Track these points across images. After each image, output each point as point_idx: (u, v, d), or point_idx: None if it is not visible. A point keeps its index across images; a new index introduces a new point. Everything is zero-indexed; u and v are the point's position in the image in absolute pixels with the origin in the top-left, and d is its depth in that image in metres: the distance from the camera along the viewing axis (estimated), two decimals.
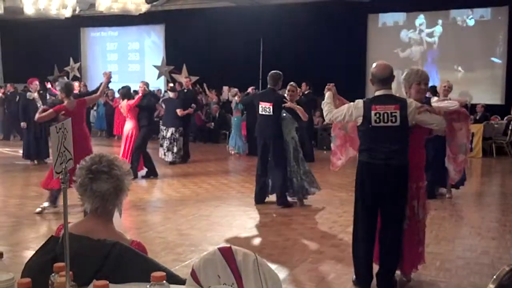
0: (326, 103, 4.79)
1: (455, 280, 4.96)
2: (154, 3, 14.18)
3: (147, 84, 10.63)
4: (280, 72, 8.19)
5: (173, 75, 19.70)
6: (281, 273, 4.91)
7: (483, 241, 6.20)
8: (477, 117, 14.46)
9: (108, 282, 1.76)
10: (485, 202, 9.13)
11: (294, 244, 6.06)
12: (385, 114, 4.33)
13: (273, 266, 1.79)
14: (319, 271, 5.14)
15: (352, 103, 4.58)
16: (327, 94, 4.88)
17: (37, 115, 7.50)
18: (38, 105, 11.15)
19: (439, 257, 5.58)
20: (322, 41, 16.86)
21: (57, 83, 7.77)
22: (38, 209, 7.34)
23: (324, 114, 4.80)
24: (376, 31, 17.85)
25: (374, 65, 4.56)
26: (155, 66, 18.60)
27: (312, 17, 16.92)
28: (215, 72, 17.89)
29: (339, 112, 4.61)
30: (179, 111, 11.71)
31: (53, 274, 1.80)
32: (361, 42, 17.56)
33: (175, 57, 19.48)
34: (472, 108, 15.11)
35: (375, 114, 4.35)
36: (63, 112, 7.16)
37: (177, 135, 11.89)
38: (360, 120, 4.44)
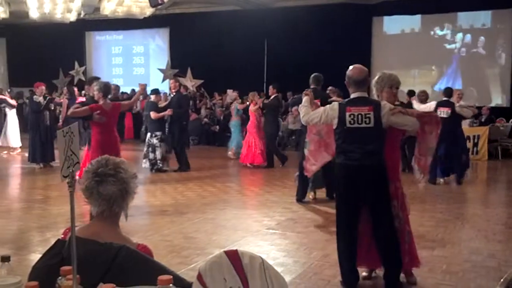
0: (303, 106, 4.87)
1: (461, 283, 4.94)
2: (159, 6, 14.19)
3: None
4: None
5: (178, 78, 19.73)
6: (287, 276, 4.91)
7: (489, 244, 6.17)
8: (483, 120, 14.42)
9: (114, 285, 1.77)
10: (491, 205, 9.10)
11: (299, 247, 6.05)
12: (359, 116, 4.43)
13: (278, 269, 1.79)
14: (324, 275, 5.13)
15: (328, 105, 4.72)
16: (305, 99, 4.94)
17: (70, 110, 7.35)
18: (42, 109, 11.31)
19: (445, 260, 5.56)
20: (327, 44, 16.85)
21: (95, 83, 7.59)
22: None
23: (301, 116, 4.88)
24: (380, 34, 17.84)
25: (350, 68, 4.68)
26: (159, 70, 18.61)
27: (316, 20, 16.92)
28: (219, 75, 17.91)
29: (316, 114, 4.71)
30: (152, 114, 11.44)
31: (60, 278, 1.81)
32: (365, 45, 17.54)
33: (179, 61, 19.49)
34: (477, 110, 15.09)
35: (350, 116, 4.45)
36: (98, 111, 7.11)
37: (153, 141, 11.31)
38: (335, 122, 4.54)
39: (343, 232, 4.69)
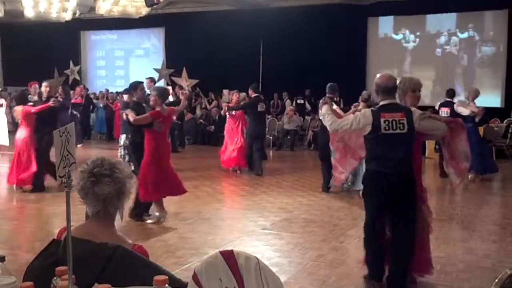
0: (327, 114, 4.86)
1: (456, 283, 4.96)
2: (154, 6, 14.18)
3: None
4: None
5: (173, 78, 19.73)
6: (282, 276, 4.91)
7: (484, 244, 6.20)
8: (477, 120, 14.44)
9: (110, 285, 1.77)
10: (486, 205, 9.13)
11: (294, 247, 6.06)
12: (394, 122, 4.46)
13: (273, 270, 1.79)
14: (320, 275, 5.14)
15: (358, 113, 4.73)
16: (325, 107, 4.94)
17: (131, 118, 6.89)
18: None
19: (440, 260, 5.57)
20: (322, 44, 16.88)
21: (151, 89, 7.25)
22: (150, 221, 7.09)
23: (328, 125, 4.84)
24: (375, 35, 17.88)
25: (378, 76, 4.72)
26: (155, 69, 18.60)
27: (312, 20, 16.94)
28: (215, 75, 17.91)
29: (345, 122, 4.71)
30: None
31: (55, 278, 1.80)
32: (361, 46, 17.58)
33: (175, 60, 19.48)
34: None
35: (384, 122, 4.46)
36: (160, 119, 6.87)
37: (128, 142, 11.11)
38: (368, 128, 4.54)
39: (372, 233, 4.70)
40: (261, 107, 11.32)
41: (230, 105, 11.61)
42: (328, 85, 9.31)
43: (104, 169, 2.23)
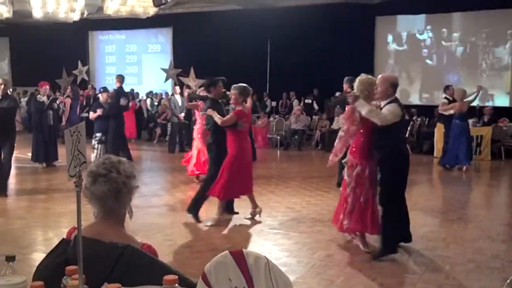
0: (370, 110, 5.35)
1: (465, 283, 4.93)
2: (162, 6, 14.20)
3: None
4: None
5: (181, 78, 19.77)
6: (290, 276, 4.89)
7: (493, 244, 6.16)
8: (486, 120, 14.40)
9: (120, 285, 1.77)
10: (494, 205, 9.09)
11: (302, 247, 6.05)
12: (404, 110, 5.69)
13: (282, 269, 1.79)
14: (328, 274, 5.13)
15: (388, 106, 5.42)
16: (361, 102, 5.42)
17: (218, 120, 6.72)
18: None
19: (448, 260, 5.55)
20: (329, 44, 16.86)
21: (233, 86, 6.92)
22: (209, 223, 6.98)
23: (377, 118, 5.35)
24: (383, 33, 17.83)
25: (389, 75, 5.84)
26: (162, 69, 18.65)
27: (319, 19, 16.92)
28: (222, 75, 17.87)
29: (390, 115, 5.36)
30: (91, 114, 11.44)
31: (65, 277, 1.81)
32: (368, 45, 17.55)
33: (182, 60, 19.52)
34: (480, 110, 15.07)
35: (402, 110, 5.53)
36: (244, 118, 6.80)
37: (92, 141, 11.14)
38: (399, 118, 5.44)
39: (399, 210, 5.58)
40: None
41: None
42: (348, 78, 8.91)
43: (101, 168, 2.25)
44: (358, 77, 5.75)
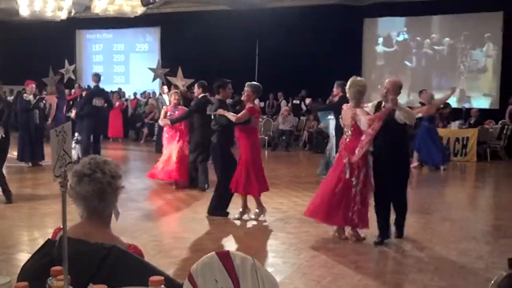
0: (407, 111, 6.08)
1: (450, 284, 4.97)
2: (150, 5, 14.14)
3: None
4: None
5: (169, 77, 19.70)
6: (277, 276, 4.91)
7: (477, 246, 6.21)
8: (472, 122, 14.54)
9: (105, 286, 1.76)
10: (479, 206, 9.17)
11: (289, 247, 6.06)
12: None
13: (268, 270, 1.79)
14: (314, 275, 5.14)
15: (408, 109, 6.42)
16: (400, 103, 5.91)
17: (232, 118, 6.93)
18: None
19: (433, 261, 5.59)
20: (318, 45, 16.89)
21: (247, 84, 7.12)
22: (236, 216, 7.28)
23: (409, 120, 5.97)
24: (371, 35, 17.91)
25: (395, 80, 6.30)
26: (150, 69, 18.57)
27: (308, 20, 16.96)
28: (210, 75, 17.86)
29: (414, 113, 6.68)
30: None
31: (50, 278, 1.80)
32: (357, 46, 17.62)
33: (170, 60, 19.47)
34: (467, 112, 15.21)
35: None
36: (256, 114, 7.07)
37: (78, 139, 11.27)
38: None
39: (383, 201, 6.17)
40: (209, 110, 8.60)
41: (170, 114, 9.57)
42: (339, 82, 9.41)
43: (86, 168, 2.25)
44: (357, 79, 6.34)
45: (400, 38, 17.52)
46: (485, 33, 16.23)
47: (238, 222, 7.19)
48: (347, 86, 6.26)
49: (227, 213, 7.32)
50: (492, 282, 1.72)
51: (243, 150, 7.06)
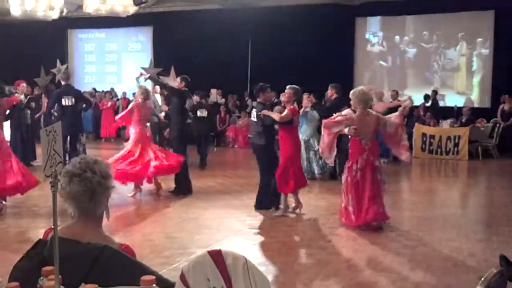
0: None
1: (442, 281, 4.99)
2: (142, 5, 14.11)
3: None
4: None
5: (161, 77, 19.65)
6: (269, 275, 4.91)
7: (469, 243, 6.25)
8: (463, 120, 14.60)
9: (97, 286, 1.76)
10: (471, 204, 9.21)
11: (282, 246, 6.06)
12: None
13: (261, 269, 1.79)
14: (307, 273, 5.15)
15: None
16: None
17: (276, 117, 7.33)
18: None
19: (426, 259, 5.62)
20: (310, 44, 16.90)
21: (288, 86, 7.65)
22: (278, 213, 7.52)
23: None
24: (363, 35, 17.95)
25: (375, 91, 6.67)
26: (143, 68, 18.51)
27: (301, 19, 16.96)
28: (203, 74, 17.86)
29: None
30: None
31: (41, 278, 1.79)
32: (348, 45, 17.64)
33: (163, 59, 19.44)
34: (458, 111, 15.28)
35: None
36: (297, 115, 7.55)
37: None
38: None
39: None
40: (188, 105, 10.08)
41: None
42: (333, 85, 9.94)
43: (76, 168, 2.24)
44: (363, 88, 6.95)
45: (392, 37, 17.57)
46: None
47: (229, 221, 7.19)
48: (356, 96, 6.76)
49: (270, 207, 7.65)
50: (483, 279, 1.73)
51: (285, 148, 7.45)
